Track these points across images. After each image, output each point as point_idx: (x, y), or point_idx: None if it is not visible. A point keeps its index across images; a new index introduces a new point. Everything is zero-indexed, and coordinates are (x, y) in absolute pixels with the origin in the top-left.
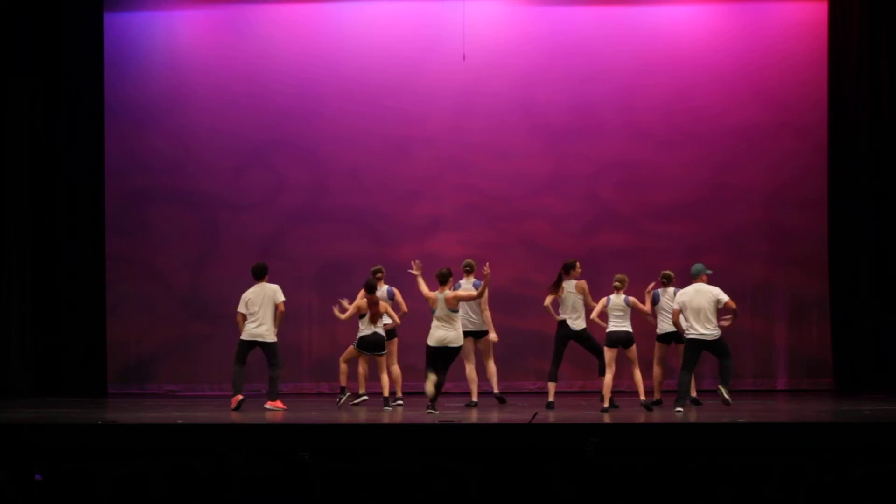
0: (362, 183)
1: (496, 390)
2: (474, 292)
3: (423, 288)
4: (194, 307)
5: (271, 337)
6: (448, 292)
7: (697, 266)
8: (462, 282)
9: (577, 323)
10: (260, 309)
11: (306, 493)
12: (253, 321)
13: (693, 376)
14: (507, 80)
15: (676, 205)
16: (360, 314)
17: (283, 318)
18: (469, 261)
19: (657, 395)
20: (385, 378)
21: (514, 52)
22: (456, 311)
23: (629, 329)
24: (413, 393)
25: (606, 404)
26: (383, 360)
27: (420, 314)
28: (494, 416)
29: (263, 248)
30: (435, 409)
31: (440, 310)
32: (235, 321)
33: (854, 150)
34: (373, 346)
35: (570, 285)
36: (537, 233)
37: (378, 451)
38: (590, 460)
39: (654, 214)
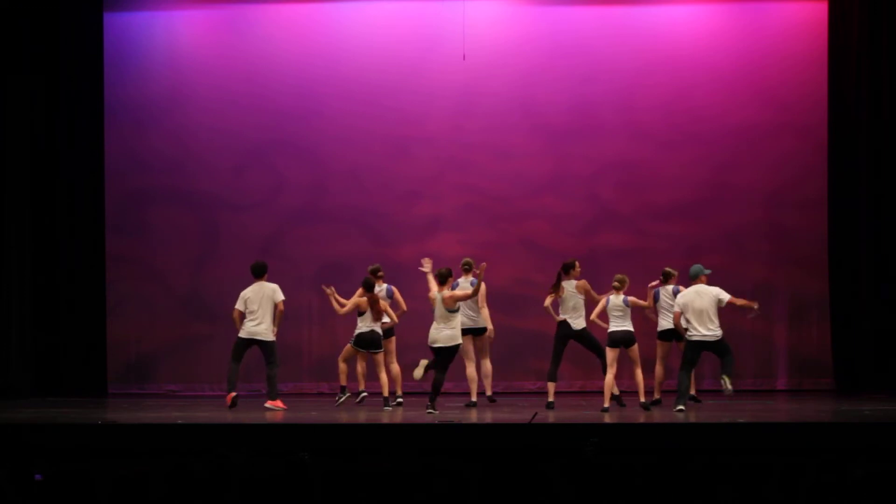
0: (362, 183)
1: (489, 392)
2: (470, 291)
3: (433, 286)
4: (194, 307)
5: (270, 336)
6: (446, 292)
7: (696, 267)
8: (460, 280)
9: (578, 322)
10: (259, 308)
11: (306, 493)
12: (252, 319)
13: (693, 375)
14: (507, 80)
15: (676, 205)
16: (358, 312)
17: (282, 317)
18: (467, 259)
19: (657, 395)
20: (384, 377)
21: (514, 52)
22: (454, 310)
23: (630, 329)
24: (413, 392)
25: (606, 404)
26: (381, 358)
27: (420, 314)
28: (494, 417)
29: (263, 248)
30: (435, 409)
31: (438, 309)
32: (232, 318)
33: (854, 150)
34: (369, 343)
35: (570, 285)
36: (537, 233)
37: (378, 451)
38: (590, 460)
39: (654, 214)
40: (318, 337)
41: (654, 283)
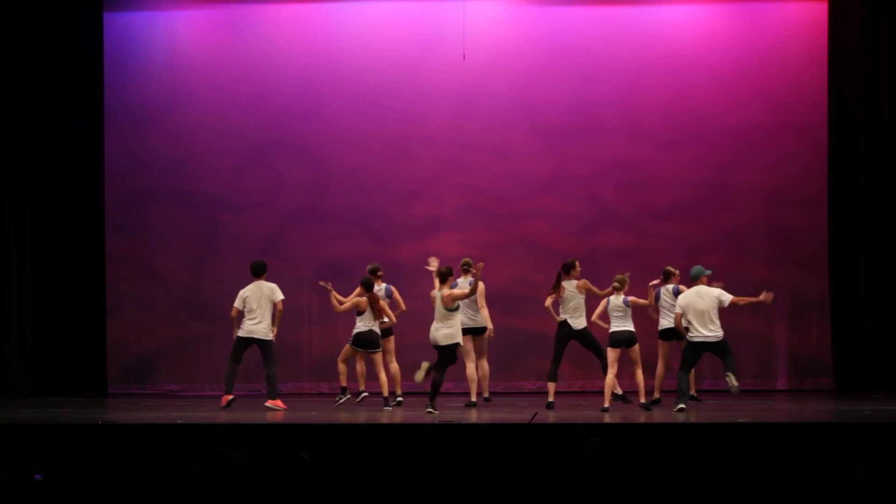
0: (362, 183)
1: (486, 393)
2: (468, 290)
3: (438, 285)
4: (194, 307)
5: (268, 335)
6: (444, 291)
7: (696, 268)
8: (459, 280)
9: (578, 322)
10: (258, 307)
11: (306, 493)
12: (251, 319)
13: (693, 375)
14: (507, 80)
15: (676, 205)
16: (357, 311)
17: (282, 317)
18: (467, 259)
19: (657, 394)
20: (383, 377)
21: (514, 52)
22: (453, 309)
23: (631, 329)
24: (413, 392)
25: (607, 404)
26: (379, 357)
27: (420, 314)
28: (494, 417)
29: (263, 248)
30: (435, 409)
31: (437, 308)
32: (230, 316)
33: (854, 150)
34: (367, 342)
35: (570, 285)
36: (537, 233)
37: (378, 451)
38: (590, 460)
39: (654, 214)
40: (318, 337)
41: (654, 282)
